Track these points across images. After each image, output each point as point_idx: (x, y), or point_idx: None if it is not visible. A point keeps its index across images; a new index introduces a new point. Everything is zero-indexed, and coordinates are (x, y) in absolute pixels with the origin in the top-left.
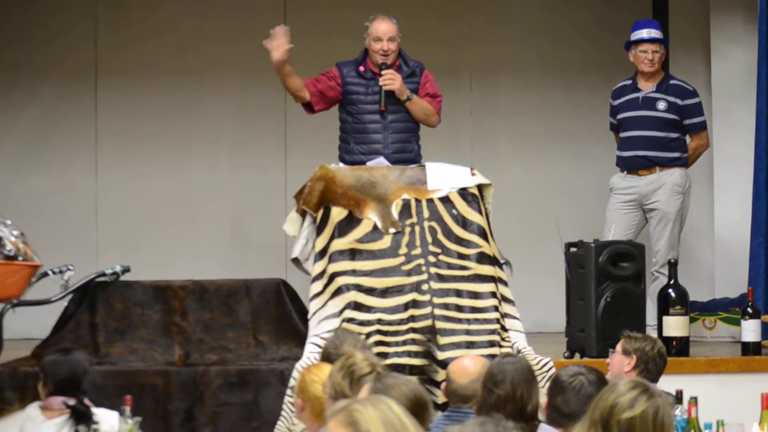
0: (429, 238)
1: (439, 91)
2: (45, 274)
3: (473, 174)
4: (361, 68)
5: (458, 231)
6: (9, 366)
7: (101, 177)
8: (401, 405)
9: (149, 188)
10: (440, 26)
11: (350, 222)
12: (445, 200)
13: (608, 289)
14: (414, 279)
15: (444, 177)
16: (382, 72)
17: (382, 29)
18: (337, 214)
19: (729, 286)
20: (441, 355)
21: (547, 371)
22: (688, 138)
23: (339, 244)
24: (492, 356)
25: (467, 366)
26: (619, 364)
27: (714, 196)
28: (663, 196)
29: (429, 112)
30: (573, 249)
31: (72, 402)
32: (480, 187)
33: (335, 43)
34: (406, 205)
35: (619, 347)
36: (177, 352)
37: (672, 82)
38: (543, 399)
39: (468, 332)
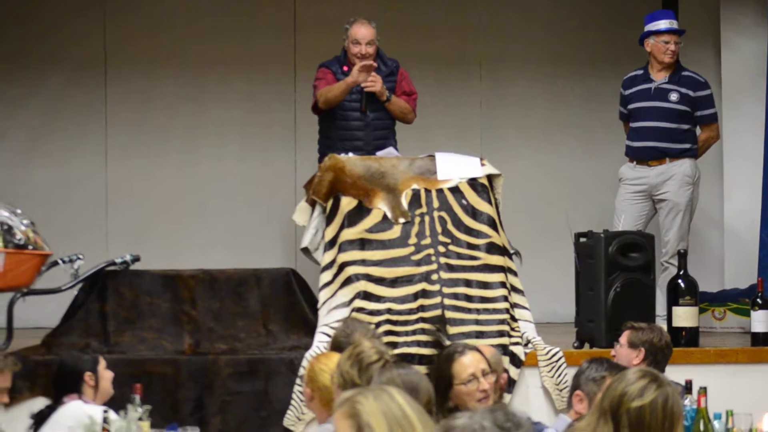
0: (438, 228)
1: (415, 88)
2: (55, 263)
3: (483, 164)
4: (345, 68)
5: (468, 221)
6: (19, 355)
7: (111, 167)
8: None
9: (159, 178)
10: (450, 17)
11: (360, 212)
12: (455, 190)
13: (618, 280)
14: (423, 269)
15: (454, 167)
16: None
17: (361, 33)
18: (347, 203)
19: (739, 276)
20: None
21: (557, 361)
22: (698, 129)
23: (349, 233)
24: (502, 346)
25: None
26: (627, 357)
27: (724, 187)
28: (673, 187)
29: (406, 111)
30: (582, 239)
31: None
32: (490, 177)
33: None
34: (415, 195)
35: (624, 339)
36: (187, 341)
37: (684, 73)
38: (552, 389)
39: (477, 322)
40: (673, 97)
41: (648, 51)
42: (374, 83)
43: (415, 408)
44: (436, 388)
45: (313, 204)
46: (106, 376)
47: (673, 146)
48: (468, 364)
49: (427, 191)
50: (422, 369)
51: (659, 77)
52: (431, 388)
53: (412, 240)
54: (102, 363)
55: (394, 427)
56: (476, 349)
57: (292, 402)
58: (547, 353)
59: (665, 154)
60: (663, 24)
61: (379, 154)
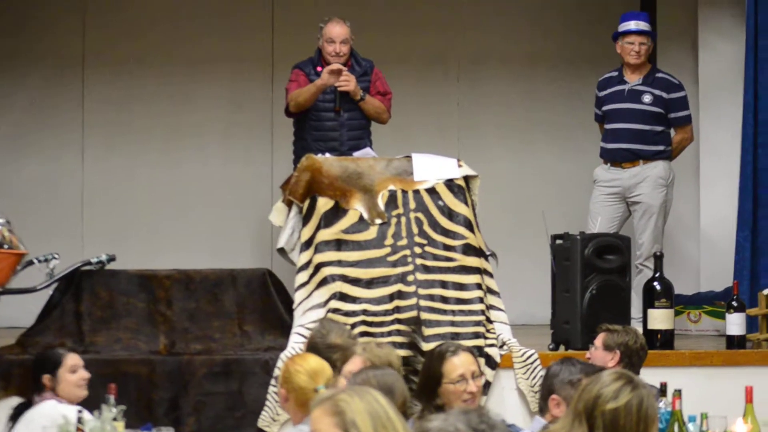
0: (415, 230)
1: (389, 88)
2: (30, 263)
3: (460, 165)
4: (318, 69)
5: (444, 222)
6: None
7: (88, 167)
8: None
9: (135, 178)
10: (428, 16)
11: (336, 212)
12: (432, 191)
13: (594, 282)
14: (399, 270)
15: (430, 168)
16: None
17: (336, 32)
18: (324, 204)
19: (714, 279)
20: (426, 346)
21: (531, 363)
22: (672, 131)
23: (325, 234)
24: (477, 347)
25: None
26: (602, 359)
27: (700, 189)
28: (646, 189)
29: (380, 110)
30: (559, 241)
31: None
32: (466, 178)
33: None
34: (392, 196)
35: (599, 342)
36: (162, 342)
37: (658, 75)
38: (529, 391)
39: (453, 323)
40: (647, 98)
41: (618, 52)
42: (348, 82)
43: (394, 410)
44: (424, 384)
45: (289, 204)
46: (69, 378)
47: (647, 148)
48: (459, 364)
49: (404, 192)
50: (392, 371)
51: (633, 79)
52: (406, 390)
53: (389, 241)
54: (67, 364)
55: (378, 427)
56: (469, 350)
57: (267, 403)
58: (523, 355)
59: (638, 156)
60: (628, 25)
61: (356, 154)
